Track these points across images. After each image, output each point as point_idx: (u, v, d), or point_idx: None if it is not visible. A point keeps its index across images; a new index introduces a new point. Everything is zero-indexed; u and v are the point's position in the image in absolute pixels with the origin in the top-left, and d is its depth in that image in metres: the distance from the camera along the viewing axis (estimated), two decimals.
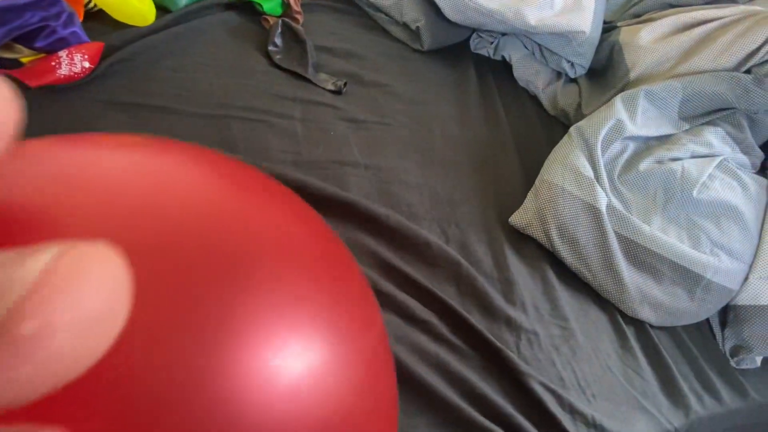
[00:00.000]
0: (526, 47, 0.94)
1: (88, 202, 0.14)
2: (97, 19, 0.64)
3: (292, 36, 0.77)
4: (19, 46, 0.52)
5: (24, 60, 0.52)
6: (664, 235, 0.65)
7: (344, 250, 0.21)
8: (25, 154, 0.16)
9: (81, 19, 0.58)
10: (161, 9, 0.70)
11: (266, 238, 0.16)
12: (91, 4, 0.62)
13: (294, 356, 0.13)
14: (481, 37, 0.94)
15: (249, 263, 0.14)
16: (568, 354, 0.59)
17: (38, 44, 0.52)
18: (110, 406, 0.11)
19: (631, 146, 0.73)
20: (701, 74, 0.75)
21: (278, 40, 0.75)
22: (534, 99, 0.92)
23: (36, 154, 0.16)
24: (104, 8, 0.62)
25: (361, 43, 0.86)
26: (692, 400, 0.63)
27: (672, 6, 0.94)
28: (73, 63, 0.51)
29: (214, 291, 0.13)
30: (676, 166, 0.68)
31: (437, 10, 0.86)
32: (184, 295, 0.12)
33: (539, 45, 0.92)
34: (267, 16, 0.78)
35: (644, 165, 0.69)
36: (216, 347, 0.12)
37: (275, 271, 0.15)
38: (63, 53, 0.51)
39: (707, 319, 0.72)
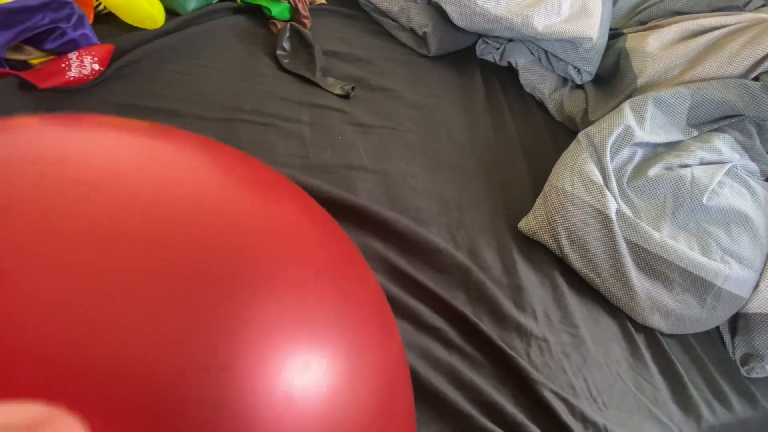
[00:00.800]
0: (532, 53, 0.94)
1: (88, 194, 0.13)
2: (106, 21, 0.64)
3: (300, 40, 0.77)
4: (29, 48, 0.51)
5: (34, 62, 0.52)
6: (674, 242, 0.64)
7: (358, 253, 0.21)
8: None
9: (91, 21, 0.58)
10: (170, 12, 0.70)
11: (283, 238, 0.15)
12: (101, 7, 0.62)
13: (315, 370, 0.13)
14: (487, 42, 0.95)
15: (267, 267, 0.14)
16: (578, 361, 0.58)
17: (48, 46, 0.51)
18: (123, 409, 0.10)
19: (640, 152, 0.73)
20: (709, 81, 0.75)
21: (286, 45, 0.75)
22: (540, 105, 0.92)
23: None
24: (114, 11, 0.62)
25: (368, 48, 0.86)
26: (703, 409, 0.62)
27: (678, 13, 0.94)
28: (83, 65, 0.51)
29: (227, 299, 0.12)
30: (686, 172, 0.68)
31: (444, 16, 0.87)
32: (194, 306, 0.12)
33: (545, 51, 0.92)
34: (275, 21, 0.78)
35: (653, 171, 0.69)
36: (231, 354, 0.11)
37: (295, 276, 0.14)
38: (73, 55, 0.51)
39: (717, 327, 0.72)
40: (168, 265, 0.12)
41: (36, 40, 0.51)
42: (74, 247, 0.12)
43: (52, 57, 0.52)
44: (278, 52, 0.74)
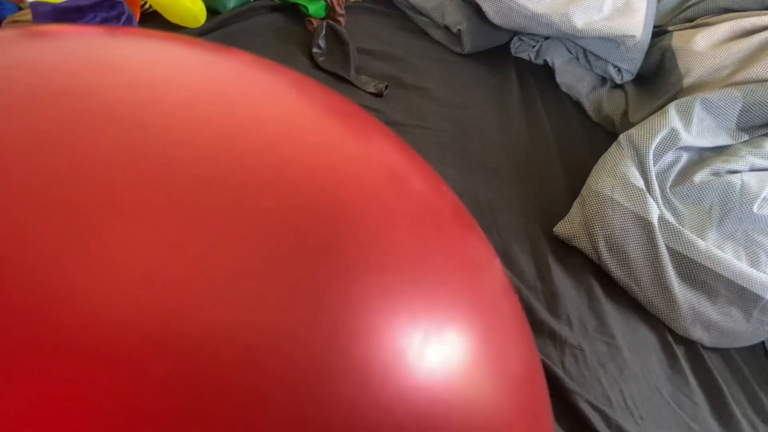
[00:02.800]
0: (569, 51, 0.91)
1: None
2: (150, 20, 0.65)
3: (335, 38, 0.77)
4: None
5: None
6: (720, 252, 0.61)
7: (463, 206, 0.19)
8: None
9: (137, 20, 0.59)
10: (211, 10, 0.71)
11: (395, 184, 0.14)
12: (147, 6, 0.64)
13: (444, 341, 0.12)
14: (522, 40, 0.92)
15: (383, 223, 0.12)
16: (614, 372, 0.56)
17: None
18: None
19: (685, 157, 0.70)
20: (763, 83, 0.71)
21: (322, 43, 0.75)
22: (577, 105, 0.90)
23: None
24: (158, 10, 0.64)
25: (401, 46, 0.85)
26: (745, 426, 0.59)
27: (728, 10, 0.90)
28: None
29: (340, 263, 0.11)
30: (735, 179, 0.65)
31: (480, 13, 0.85)
32: (303, 269, 0.11)
33: (584, 49, 0.89)
34: (311, 18, 0.79)
35: (699, 177, 0.66)
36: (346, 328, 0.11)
37: (413, 234, 0.13)
38: None
39: (762, 342, 0.68)
40: (273, 222, 0.11)
41: None
42: (165, 193, 0.11)
43: None
44: (314, 50, 0.74)
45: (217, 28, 0.69)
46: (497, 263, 0.17)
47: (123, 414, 0.08)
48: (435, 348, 0.11)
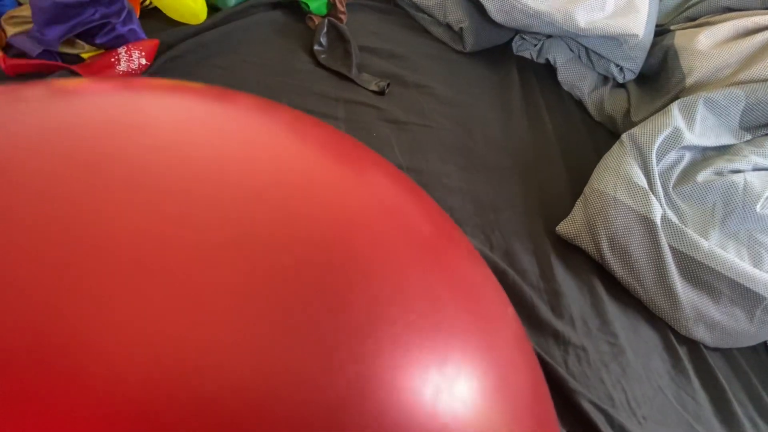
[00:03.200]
0: (571, 50, 0.91)
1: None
2: (151, 16, 0.65)
3: (336, 36, 0.76)
4: (80, 42, 0.53)
5: (84, 56, 0.54)
6: (723, 252, 0.61)
7: (461, 232, 0.20)
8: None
9: (137, 16, 0.59)
10: (212, 7, 0.71)
11: (396, 222, 0.14)
12: (147, 2, 0.64)
13: (456, 372, 0.12)
14: (524, 39, 0.92)
15: (391, 262, 0.13)
16: (617, 372, 0.56)
17: (98, 41, 0.53)
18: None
19: (688, 156, 0.69)
20: (765, 82, 0.71)
21: (323, 40, 0.75)
22: (579, 104, 0.89)
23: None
24: (159, 6, 0.64)
25: (403, 44, 0.85)
26: (748, 427, 0.59)
27: (730, 9, 0.89)
28: (131, 59, 0.52)
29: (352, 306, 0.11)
30: (738, 178, 0.65)
31: (482, 11, 0.85)
32: (315, 318, 0.11)
33: (586, 48, 0.89)
34: (312, 16, 0.78)
35: (702, 176, 0.66)
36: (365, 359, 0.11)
37: (422, 271, 0.13)
38: (122, 50, 0.52)
39: (765, 342, 0.68)
40: (289, 279, 0.11)
41: (87, 35, 0.52)
42: (185, 254, 0.11)
43: (102, 51, 0.54)
44: (316, 47, 0.74)
45: (218, 25, 0.69)
46: (510, 311, 0.18)
47: None
48: (446, 404, 0.12)
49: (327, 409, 0.10)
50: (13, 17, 0.52)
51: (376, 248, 0.13)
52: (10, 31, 0.52)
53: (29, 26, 0.51)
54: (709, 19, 0.87)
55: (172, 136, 0.14)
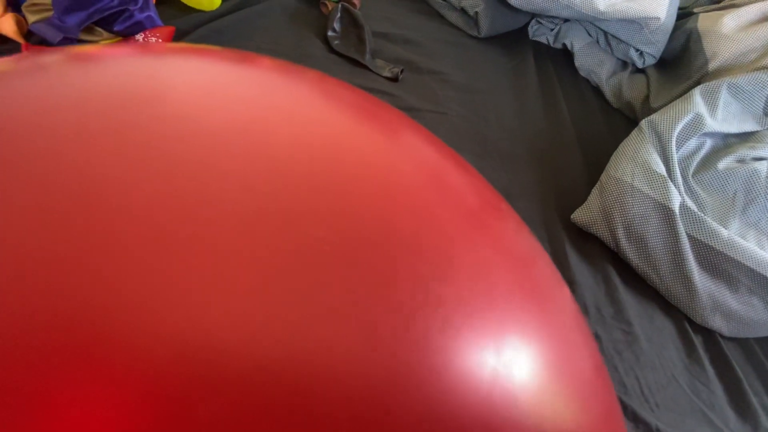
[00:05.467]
0: (589, 34, 0.88)
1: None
2: (167, 3, 0.65)
3: (350, 21, 0.76)
4: (99, 29, 0.53)
5: (103, 43, 0.54)
6: (742, 241, 0.60)
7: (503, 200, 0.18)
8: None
9: (154, 2, 0.59)
10: None
11: (443, 191, 0.13)
12: None
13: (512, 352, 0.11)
14: (540, 23, 0.90)
15: (447, 238, 0.11)
16: (631, 360, 0.56)
17: (117, 28, 0.53)
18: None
19: (709, 143, 0.68)
20: None
21: (337, 26, 0.74)
22: (596, 90, 0.87)
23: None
24: None
25: (417, 29, 0.84)
26: (762, 416, 0.59)
27: None
28: None
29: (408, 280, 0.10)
30: (761, 166, 0.63)
31: None
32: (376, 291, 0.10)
33: (605, 32, 0.86)
34: (326, 2, 0.77)
35: (723, 164, 0.65)
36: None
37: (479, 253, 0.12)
38: (140, 36, 0.53)
39: None
40: (322, 253, 0.11)
41: (106, 22, 0.53)
42: (212, 225, 0.10)
43: (120, 39, 0.54)
44: (329, 33, 0.73)
45: (233, 11, 0.69)
46: (566, 291, 0.15)
47: None
48: (505, 390, 0.11)
49: (370, 392, 0.09)
50: (33, 4, 0.53)
51: (419, 220, 0.12)
52: (31, 18, 0.53)
53: (49, 13, 0.52)
54: (734, 1, 0.84)
55: (194, 102, 0.13)
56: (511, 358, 0.11)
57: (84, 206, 0.10)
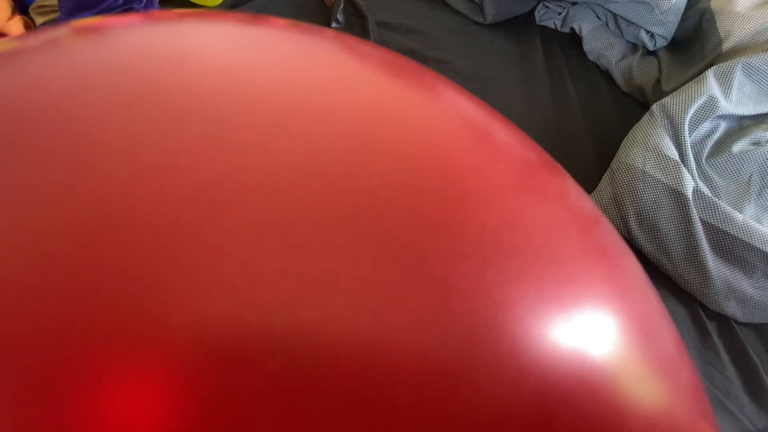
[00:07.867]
0: (598, 17, 0.86)
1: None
2: (171, 0, 0.65)
3: (353, 12, 0.75)
4: None
5: None
6: (758, 225, 0.59)
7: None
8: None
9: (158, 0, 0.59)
10: None
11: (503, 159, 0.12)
12: None
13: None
14: (547, 7, 0.88)
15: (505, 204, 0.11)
16: None
17: None
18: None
19: (723, 126, 0.66)
20: None
21: (340, 17, 0.74)
22: (606, 75, 0.86)
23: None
24: None
25: (421, 18, 0.83)
26: None
27: None
28: None
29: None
30: None
31: None
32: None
33: (614, 14, 0.84)
34: None
35: (738, 147, 0.63)
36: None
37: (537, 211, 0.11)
38: None
39: None
40: (380, 202, 0.10)
41: None
42: (262, 180, 0.10)
43: None
44: (333, 24, 0.73)
45: (235, 6, 0.68)
46: (633, 256, 0.14)
47: (233, 414, 0.08)
48: (593, 351, 0.10)
49: (447, 343, 0.09)
50: (41, 6, 0.53)
51: (476, 173, 0.11)
52: (39, 20, 0.53)
53: (56, 15, 0.53)
54: None
55: (230, 58, 0.12)
56: (597, 319, 0.10)
57: (130, 167, 0.10)
